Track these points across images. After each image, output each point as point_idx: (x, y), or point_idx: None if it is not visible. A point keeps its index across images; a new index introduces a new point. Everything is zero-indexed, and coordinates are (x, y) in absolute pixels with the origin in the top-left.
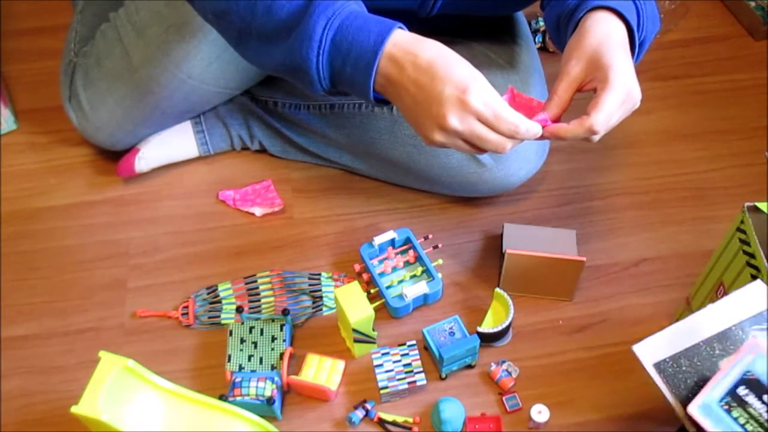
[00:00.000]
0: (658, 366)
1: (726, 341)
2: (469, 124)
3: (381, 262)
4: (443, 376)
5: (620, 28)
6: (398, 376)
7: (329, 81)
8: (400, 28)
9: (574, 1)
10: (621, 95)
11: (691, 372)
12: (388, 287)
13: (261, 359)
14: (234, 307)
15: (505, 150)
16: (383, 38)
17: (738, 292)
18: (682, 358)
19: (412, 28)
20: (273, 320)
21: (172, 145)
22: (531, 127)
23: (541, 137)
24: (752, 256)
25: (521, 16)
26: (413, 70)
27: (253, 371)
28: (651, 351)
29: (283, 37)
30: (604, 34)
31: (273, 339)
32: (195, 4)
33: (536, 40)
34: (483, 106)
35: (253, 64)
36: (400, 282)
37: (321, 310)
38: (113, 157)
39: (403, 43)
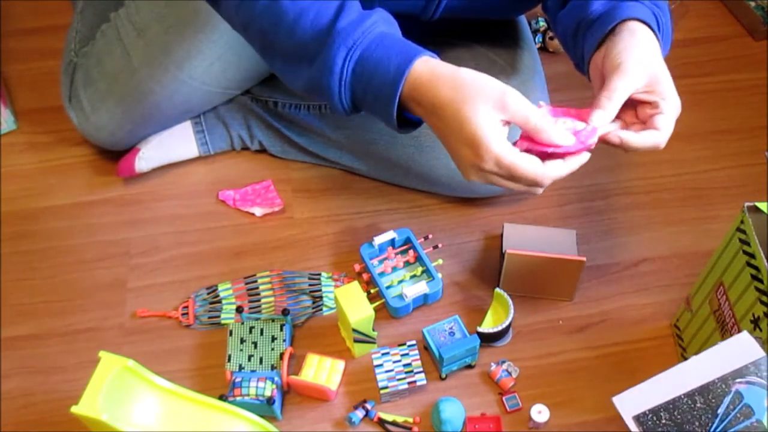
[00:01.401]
0: (637, 419)
1: (708, 394)
2: (490, 179)
3: (381, 262)
4: (443, 376)
5: (657, 43)
6: (398, 376)
7: (352, 108)
8: (422, 55)
9: (600, 8)
10: (677, 113)
11: (671, 425)
12: (388, 287)
13: (261, 359)
14: (234, 307)
15: (542, 188)
16: (403, 71)
17: (722, 344)
18: (663, 411)
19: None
20: (273, 320)
21: (172, 145)
22: (554, 170)
23: (608, 142)
24: (752, 256)
25: (522, 16)
26: (433, 115)
27: (253, 371)
28: (631, 403)
29: (305, 62)
30: (654, 47)
31: (273, 339)
32: (222, 13)
33: (536, 40)
34: (496, 168)
35: (279, 77)
36: (400, 282)
37: (321, 310)
38: (113, 157)
39: (423, 78)
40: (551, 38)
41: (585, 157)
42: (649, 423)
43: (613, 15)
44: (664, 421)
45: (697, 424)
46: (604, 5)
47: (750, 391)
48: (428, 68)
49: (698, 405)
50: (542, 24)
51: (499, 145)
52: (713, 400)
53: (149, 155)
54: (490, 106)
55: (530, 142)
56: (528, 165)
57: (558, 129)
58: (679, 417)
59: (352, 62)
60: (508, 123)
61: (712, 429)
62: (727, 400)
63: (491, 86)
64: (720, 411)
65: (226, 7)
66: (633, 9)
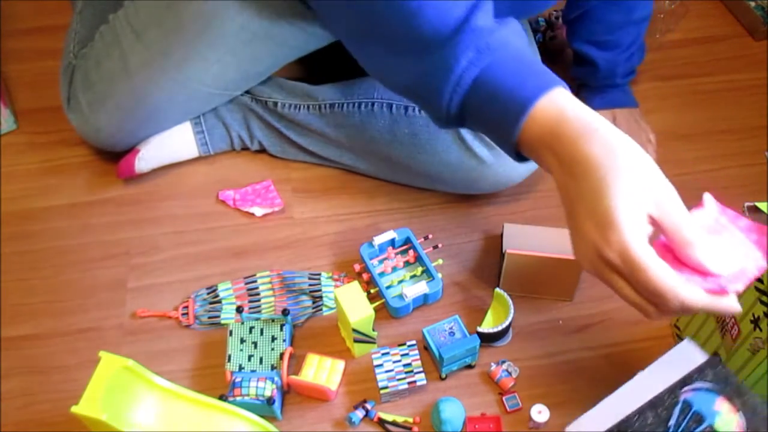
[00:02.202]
0: None
1: (658, 408)
2: (605, 275)
3: (381, 262)
4: (443, 376)
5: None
6: (398, 376)
7: (456, 121)
8: (560, 87)
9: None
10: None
11: None
12: (388, 287)
13: (261, 359)
14: (234, 307)
15: (663, 313)
16: (537, 94)
17: (665, 355)
18: (614, 431)
19: None
20: (273, 320)
21: (172, 145)
22: (692, 295)
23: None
24: None
25: None
26: (568, 172)
27: (253, 371)
28: (584, 429)
29: (416, 55)
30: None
31: (273, 339)
32: None
33: (536, 39)
34: (619, 261)
35: (370, 72)
36: (400, 282)
37: (321, 310)
38: (113, 157)
39: (570, 126)
40: (551, 38)
41: (733, 304)
42: None
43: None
44: None
45: None
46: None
47: (698, 397)
48: (579, 115)
49: (649, 420)
50: (543, 24)
51: (634, 236)
52: (663, 413)
53: (149, 156)
54: (644, 192)
55: (668, 254)
56: (661, 273)
57: (712, 250)
58: None
59: (478, 68)
60: (653, 223)
61: None
62: (676, 410)
63: (654, 171)
64: (671, 423)
65: None
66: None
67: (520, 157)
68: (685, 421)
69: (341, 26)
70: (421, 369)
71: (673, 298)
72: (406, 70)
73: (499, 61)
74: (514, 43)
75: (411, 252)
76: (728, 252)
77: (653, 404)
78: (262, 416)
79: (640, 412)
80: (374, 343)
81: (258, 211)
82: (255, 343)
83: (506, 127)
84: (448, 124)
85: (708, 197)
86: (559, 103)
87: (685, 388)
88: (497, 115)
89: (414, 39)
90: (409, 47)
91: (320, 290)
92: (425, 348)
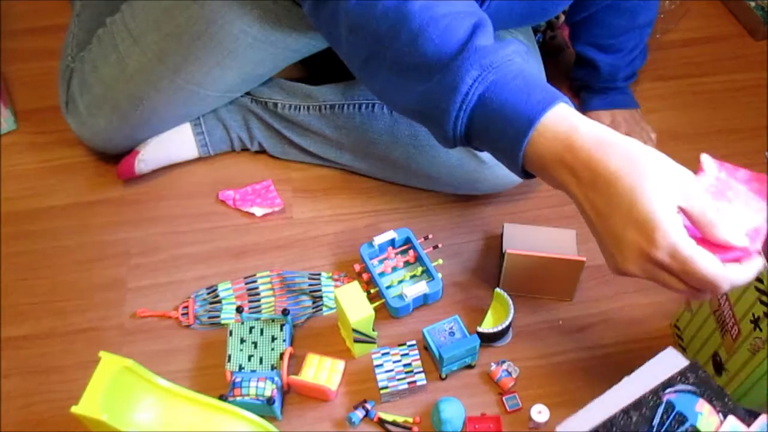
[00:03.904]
0: None
1: (642, 408)
2: (655, 274)
3: (381, 262)
4: (443, 376)
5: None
6: (398, 376)
7: (464, 141)
8: (565, 102)
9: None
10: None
11: None
12: (388, 287)
13: (261, 359)
14: (234, 307)
15: (713, 294)
16: (545, 107)
17: (650, 361)
18: (601, 429)
19: None
20: (273, 320)
21: (171, 146)
22: (736, 274)
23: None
24: None
25: None
26: (592, 187)
27: (253, 371)
28: (572, 428)
29: (422, 77)
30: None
31: (273, 339)
32: (322, 13)
33: (536, 39)
34: (669, 259)
35: (376, 95)
36: (400, 282)
37: (321, 310)
38: (113, 158)
39: (584, 140)
40: (551, 38)
41: (759, 262)
42: None
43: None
44: None
45: None
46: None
47: (680, 399)
48: (591, 131)
49: (634, 419)
50: (542, 24)
51: (679, 234)
52: (647, 413)
53: (149, 157)
54: (672, 188)
55: (693, 236)
56: (708, 262)
57: (731, 223)
58: None
59: (483, 86)
60: (682, 212)
61: None
62: (660, 410)
63: (672, 165)
64: (655, 422)
65: (335, 8)
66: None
67: (527, 174)
68: (668, 420)
69: (345, 50)
70: (421, 369)
71: (725, 282)
72: (412, 92)
73: (504, 78)
74: (517, 61)
75: (411, 252)
76: (739, 213)
77: (637, 405)
78: (262, 416)
79: (625, 411)
80: (374, 343)
81: (258, 211)
82: (255, 343)
83: (513, 143)
84: (455, 144)
85: (705, 158)
86: (568, 118)
87: (668, 390)
88: (504, 131)
89: (418, 61)
90: (413, 70)
91: (320, 290)
92: (425, 348)
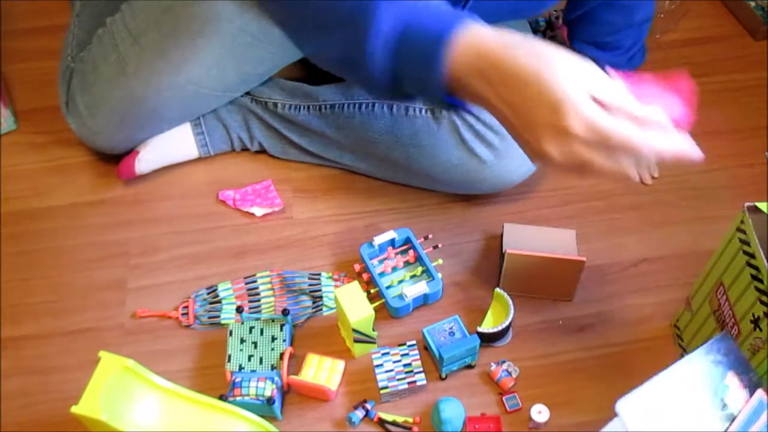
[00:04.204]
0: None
1: None
2: (575, 150)
3: (381, 262)
4: (443, 376)
5: None
6: (398, 376)
7: (393, 82)
8: (475, 21)
9: None
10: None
11: None
12: (388, 287)
13: (261, 359)
14: (234, 307)
15: (639, 164)
16: (454, 24)
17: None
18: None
19: None
20: (273, 320)
21: (171, 147)
22: (656, 139)
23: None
24: (752, 256)
25: None
26: (504, 86)
27: (253, 371)
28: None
29: (343, 25)
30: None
31: (273, 339)
32: None
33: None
34: (585, 131)
35: (310, 59)
36: (400, 282)
37: (321, 310)
38: (113, 158)
39: (491, 46)
40: (551, 38)
41: (686, 144)
42: None
43: None
44: None
45: None
46: None
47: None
48: (499, 37)
49: None
50: (542, 24)
51: (592, 107)
52: None
53: (149, 157)
54: (582, 75)
55: None
56: (627, 126)
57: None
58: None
59: (397, 20)
60: (597, 102)
61: None
62: None
63: (581, 60)
64: None
65: None
66: None
67: (451, 101)
68: None
69: (282, 22)
70: (421, 369)
71: (646, 142)
72: (335, 43)
73: (415, 9)
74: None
75: (411, 252)
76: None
77: None
78: (262, 416)
79: None
80: (374, 343)
81: (258, 211)
82: (255, 343)
83: (432, 64)
84: (387, 91)
85: (611, 71)
86: (480, 31)
87: None
88: (422, 55)
89: (335, 14)
90: (333, 23)
91: (320, 290)
92: (425, 348)
